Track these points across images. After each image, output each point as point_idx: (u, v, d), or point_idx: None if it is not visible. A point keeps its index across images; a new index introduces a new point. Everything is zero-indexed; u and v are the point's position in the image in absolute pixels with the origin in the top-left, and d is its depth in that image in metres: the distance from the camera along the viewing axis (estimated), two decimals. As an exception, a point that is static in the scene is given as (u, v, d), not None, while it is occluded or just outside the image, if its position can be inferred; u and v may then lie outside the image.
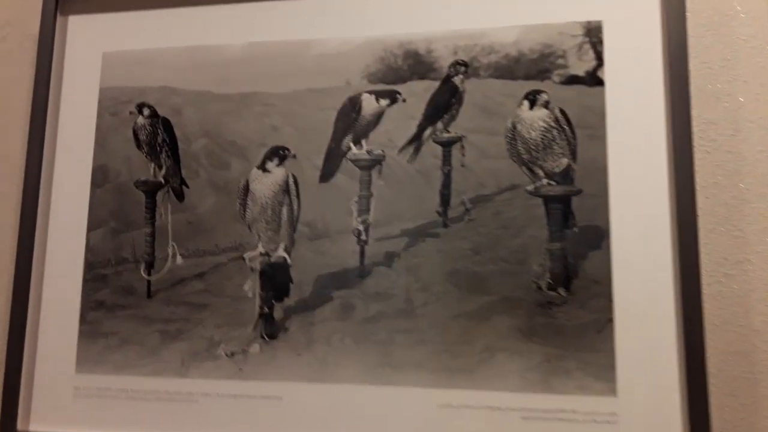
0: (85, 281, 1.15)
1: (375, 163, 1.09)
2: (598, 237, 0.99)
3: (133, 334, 1.12)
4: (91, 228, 1.16)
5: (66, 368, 1.14)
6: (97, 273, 1.15)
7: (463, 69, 1.07)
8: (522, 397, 0.98)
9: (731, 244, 0.98)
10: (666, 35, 0.99)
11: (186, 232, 1.14)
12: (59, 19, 1.22)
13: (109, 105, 1.19)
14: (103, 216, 1.17)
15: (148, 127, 1.17)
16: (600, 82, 1.02)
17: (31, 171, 1.17)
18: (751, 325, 0.96)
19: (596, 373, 0.96)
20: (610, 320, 0.97)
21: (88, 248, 1.16)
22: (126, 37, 1.21)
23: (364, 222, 1.08)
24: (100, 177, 1.18)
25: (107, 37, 1.22)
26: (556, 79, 1.04)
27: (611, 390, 0.95)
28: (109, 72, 1.20)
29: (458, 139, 1.06)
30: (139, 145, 1.18)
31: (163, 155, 1.16)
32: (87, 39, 1.22)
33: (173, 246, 1.14)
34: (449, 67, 1.08)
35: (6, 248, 1.20)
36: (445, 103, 1.07)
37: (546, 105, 1.03)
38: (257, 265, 1.10)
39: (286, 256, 1.09)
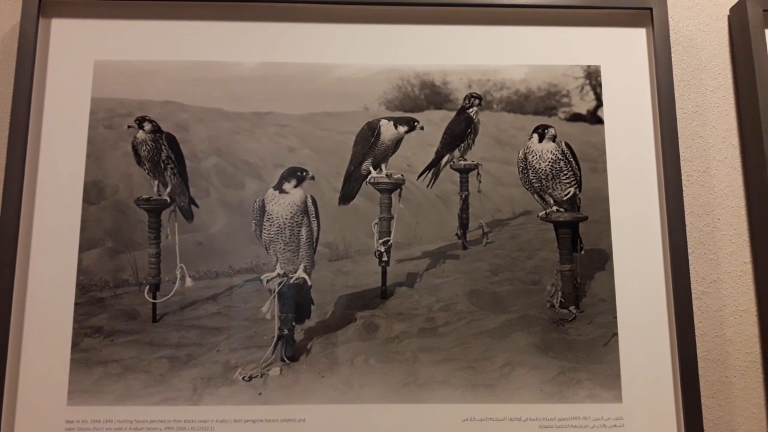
0: (78, 305, 1.07)
1: (395, 187, 1.13)
2: (603, 259, 1.10)
3: (137, 362, 1.06)
4: (83, 248, 1.08)
5: (55, 401, 1.04)
6: (92, 296, 1.07)
7: (477, 101, 1.14)
8: (540, 407, 1.06)
9: (706, 265, 1.14)
10: (655, 82, 1.14)
11: (196, 253, 1.10)
12: (41, 21, 1.13)
13: (103, 117, 1.12)
14: (99, 235, 1.09)
15: (150, 143, 1.12)
16: (600, 121, 1.14)
17: (10, 185, 1.07)
18: (725, 336, 1.12)
19: (604, 382, 1.06)
20: (614, 334, 1.08)
21: (81, 270, 1.08)
22: (121, 47, 1.15)
23: (385, 243, 1.11)
24: (94, 193, 1.10)
25: (98, 45, 1.14)
26: (561, 115, 1.15)
27: (617, 397, 1.06)
28: (103, 82, 1.13)
29: (475, 166, 1.13)
30: (139, 161, 1.12)
31: (168, 173, 1.11)
32: (74, 45, 1.14)
33: (182, 267, 1.09)
34: (464, 99, 1.15)
35: (-17, 270, 1.08)
36: (461, 132, 1.14)
37: (553, 139, 1.13)
38: (276, 287, 1.09)
39: (307, 277, 1.09)
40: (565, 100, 1.15)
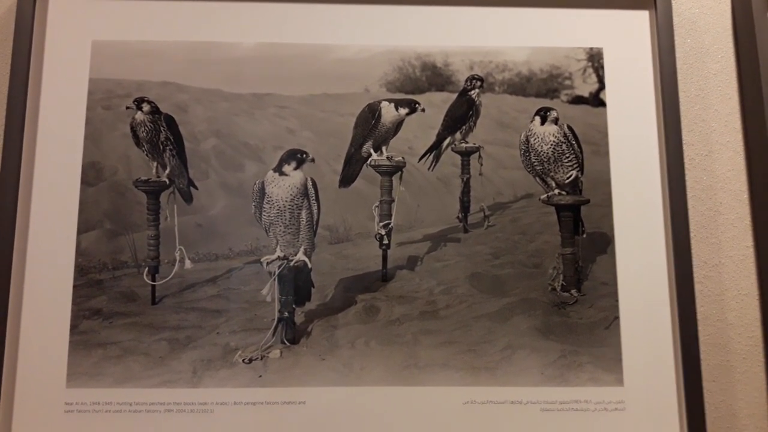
0: (76, 287, 1.06)
1: (396, 169, 1.12)
2: (605, 242, 1.10)
3: (137, 344, 1.05)
4: (82, 230, 1.07)
5: (54, 383, 1.04)
6: (90, 278, 1.06)
7: (479, 83, 1.13)
8: (541, 390, 1.05)
9: (708, 249, 1.13)
10: (658, 65, 1.13)
11: (195, 235, 1.09)
12: (38, 1, 1.12)
13: (101, 98, 1.11)
14: (97, 217, 1.08)
15: (148, 124, 1.11)
16: (602, 104, 1.13)
17: (8, 166, 1.06)
18: (727, 320, 1.12)
19: (605, 365, 1.06)
20: (616, 318, 1.07)
21: (79, 251, 1.07)
22: (119, 27, 1.13)
23: (386, 227, 1.10)
24: (92, 175, 1.09)
25: (96, 25, 1.13)
26: (563, 98, 1.14)
27: (619, 380, 1.06)
28: (101, 62, 1.12)
29: (476, 149, 1.13)
30: (138, 143, 1.11)
31: (167, 154, 1.10)
32: (72, 25, 1.13)
33: (181, 250, 1.08)
34: (466, 81, 1.14)
35: (-20, 251, 1.07)
36: (462, 114, 1.13)
37: (555, 121, 1.12)
38: (276, 269, 1.08)
39: (307, 259, 1.09)
40: (567, 82, 1.14)
